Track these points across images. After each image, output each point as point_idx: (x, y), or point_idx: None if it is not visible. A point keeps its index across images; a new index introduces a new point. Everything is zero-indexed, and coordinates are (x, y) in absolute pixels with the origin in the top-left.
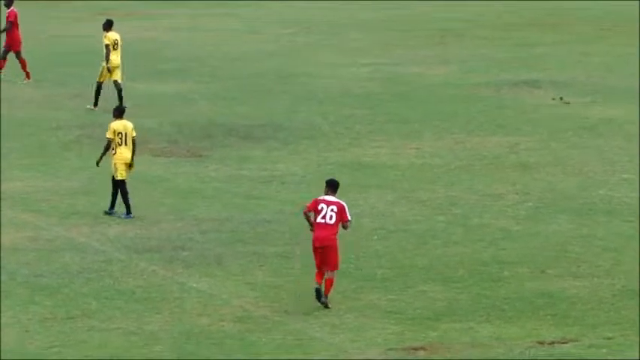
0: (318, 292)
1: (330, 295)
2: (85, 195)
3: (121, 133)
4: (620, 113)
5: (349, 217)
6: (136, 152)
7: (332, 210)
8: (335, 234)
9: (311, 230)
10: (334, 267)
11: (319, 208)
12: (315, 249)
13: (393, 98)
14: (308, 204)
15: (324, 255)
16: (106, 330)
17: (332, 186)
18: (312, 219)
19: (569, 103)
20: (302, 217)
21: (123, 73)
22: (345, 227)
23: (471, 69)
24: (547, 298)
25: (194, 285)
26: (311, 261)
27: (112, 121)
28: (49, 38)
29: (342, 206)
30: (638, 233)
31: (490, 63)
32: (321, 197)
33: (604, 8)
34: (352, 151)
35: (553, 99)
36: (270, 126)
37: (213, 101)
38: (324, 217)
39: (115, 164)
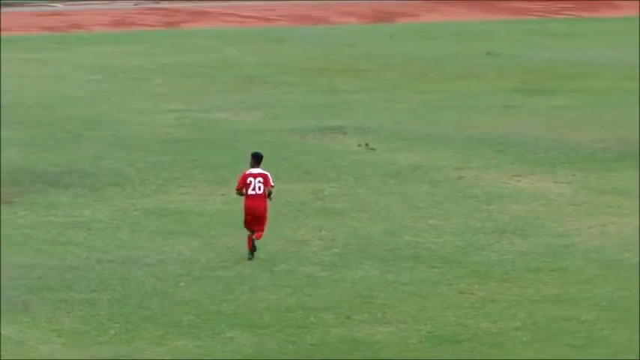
0: (251, 253)
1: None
2: None
3: None
4: (426, 159)
5: (272, 184)
6: None
7: (259, 182)
8: (264, 202)
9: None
10: (263, 229)
11: (248, 182)
12: (249, 216)
13: (200, 144)
14: (238, 181)
15: (256, 221)
16: None
17: (256, 158)
18: (244, 192)
19: (374, 150)
20: (108, 264)
21: None
22: (269, 193)
23: (277, 115)
24: (353, 344)
25: (1, 332)
26: (117, 310)
27: None
28: None
29: (266, 175)
30: (443, 279)
31: (296, 109)
32: (248, 171)
33: (409, 54)
34: (158, 198)
35: (359, 145)
36: (77, 172)
37: (21, 147)
38: (253, 188)
39: None
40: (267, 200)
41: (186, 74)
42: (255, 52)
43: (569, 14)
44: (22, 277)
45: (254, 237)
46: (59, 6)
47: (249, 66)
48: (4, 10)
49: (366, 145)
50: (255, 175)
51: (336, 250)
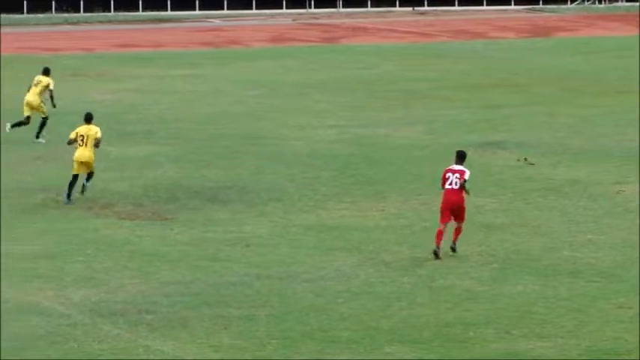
0: (435, 253)
1: (457, 241)
2: (49, 259)
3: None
4: (585, 174)
5: (466, 178)
6: (102, 212)
7: (456, 177)
8: (462, 195)
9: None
10: (463, 219)
11: (447, 177)
12: (445, 209)
13: (359, 160)
14: (442, 178)
15: (456, 212)
16: None
17: (460, 156)
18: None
19: (533, 164)
20: (267, 280)
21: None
22: (462, 186)
23: (436, 130)
24: (513, 358)
25: (159, 348)
26: (275, 325)
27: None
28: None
29: (463, 171)
30: (602, 293)
31: (455, 124)
32: (450, 167)
33: (568, 69)
34: (318, 213)
35: (518, 160)
36: (235, 188)
37: (179, 163)
38: (450, 183)
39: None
40: (465, 194)
41: (346, 89)
42: (413, 68)
43: None
44: (179, 294)
45: (453, 238)
46: (217, 22)
47: (408, 81)
48: (160, 25)
49: (525, 159)
50: (454, 171)
51: (496, 265)
